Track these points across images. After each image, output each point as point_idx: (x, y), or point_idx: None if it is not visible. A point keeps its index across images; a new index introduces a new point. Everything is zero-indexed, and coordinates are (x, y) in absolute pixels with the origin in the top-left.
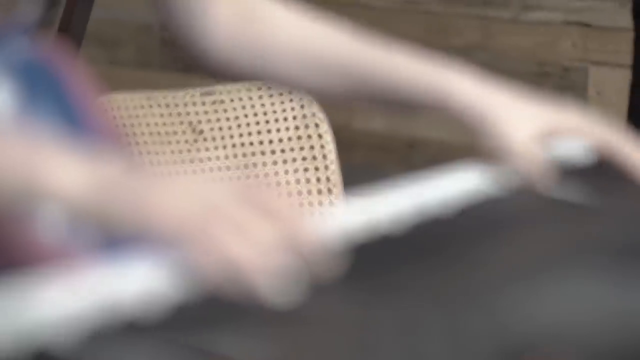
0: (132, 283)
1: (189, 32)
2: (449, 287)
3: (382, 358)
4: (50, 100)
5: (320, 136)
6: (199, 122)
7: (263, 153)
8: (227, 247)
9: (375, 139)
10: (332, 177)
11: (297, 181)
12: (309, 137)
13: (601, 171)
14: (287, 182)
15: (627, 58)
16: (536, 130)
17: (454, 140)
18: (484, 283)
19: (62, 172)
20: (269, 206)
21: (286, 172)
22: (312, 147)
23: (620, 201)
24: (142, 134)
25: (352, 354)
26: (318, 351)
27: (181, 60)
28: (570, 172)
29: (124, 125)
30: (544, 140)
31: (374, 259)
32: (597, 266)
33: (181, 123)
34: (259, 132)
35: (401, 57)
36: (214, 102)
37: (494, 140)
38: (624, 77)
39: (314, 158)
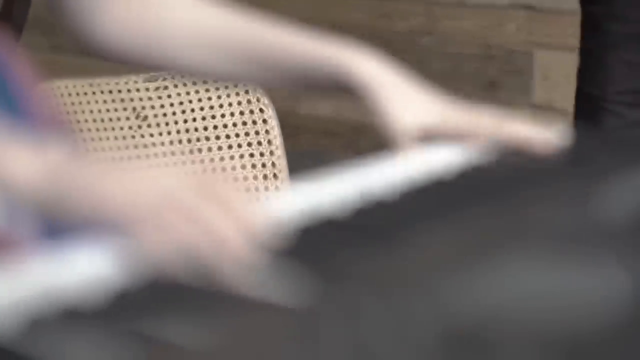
0: (75, 270)
1: (80, 17)
2: (392, 272)
3: (325, 345)
4: None
5: (265, 121)
6: (143, 108)
7: (208, 138)
8: (183, 233)
9: (321, 124)
10: (277, 163)
11: (243, 166)
12: (254, 122)
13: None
14: (233, 168)
15: (573, 41)
16: (421, 121)
17: None
18: (427, 268)
19: (12, 162)
20: (221, 194)
21: (231, 157)
22: (257, 133)
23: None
24: (86, 120)
25: (293, 342)
26: (260, 338)
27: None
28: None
29: (67, 112)
30: (428, 133)
31: (317, 243)
32: (537, 249)
33: (125, 109)
34: (203, 118)
35: (298, 36)
36: (157, 88)
37: (381, 121)
38: (570, 60)
39: (259, 143)
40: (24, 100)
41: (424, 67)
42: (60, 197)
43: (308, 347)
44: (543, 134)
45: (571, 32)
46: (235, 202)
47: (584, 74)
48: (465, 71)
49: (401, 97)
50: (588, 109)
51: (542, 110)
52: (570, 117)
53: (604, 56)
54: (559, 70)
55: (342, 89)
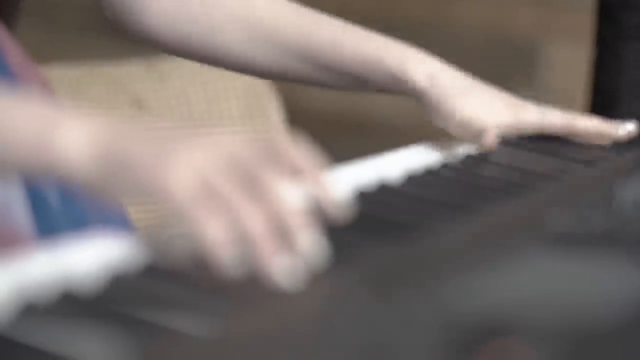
0: (74, 258)
1: (127, 8)
2: (406, 265)
3: (336, 342)
4: None
5: (269, 113)
6: (143, 98)
7: (209, 129)
8: (244, 217)
9: (325, 118)
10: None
11: None
12: (258, 113)
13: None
14: None
15: (582, 32)
16: (496, 119)
17: (404, 122)
18: (442, 261)
19: (61, 137)
20: (296, 162)
21: None
22: (260, 124)
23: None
24: (81, 104)
25: (305, 337)
26: (264, 330)
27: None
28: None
29: (63, 100)
30: (503, 131)
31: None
32: (552, 247)
33: (124, 97)
34: (205, 108)
35: (352, 33)
36: (159, 76)
37: (449, 123)
38: (579, 52)
39: (263, 134)
40: (21, 87)
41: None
42: (113, 178)
43: (319, 335)
44: (610, 127)
45: (581, 23)
46: (311, 170)
47: (598, 65)
48: (472, 61)
49: (469, 97)
50: (602, 100)
51: (549, 100)
52: (578, 108)
53: (619, 46)
54: (567, 61)
55: (399, 90)
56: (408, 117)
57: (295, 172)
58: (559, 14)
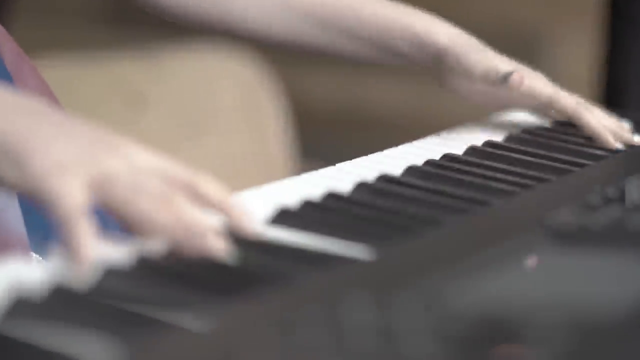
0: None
1: None
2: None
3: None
4: None
5: (266, 108)
6: (142, 91)
7: (209, 121)
8: (182, 209)
9: (335, 115)
10: (281, 148)
11: (245, 153)
12: (254, 108)
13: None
14: (235, 154)
15: (587, 23)
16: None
17: (408, 118)
18: (458, 253)
19: None
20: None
21: (234, 142)
22: (257, 119)
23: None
24: (79, 100)
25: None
26: (258, 322)
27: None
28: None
29: (61, 93)
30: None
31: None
32: (566, 245)
33: (123, 91)
34: (205, 101)
35: (378, 2)
36: (158, 69)
37: (473, 74)
38: (584, 43)
39: (262, 128)
40: (14, 80)
41: None
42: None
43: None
44: (616, 128)
45: (589, 18)
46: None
47: (609, 58)
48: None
49: (488, 53)
50: (613, 92)
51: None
52: (584, 93)
53: (630, 39)
54: (576, 53)
55: (422, 53)
56: (411, 113)
57: (208, 204)
58: (563, 6)
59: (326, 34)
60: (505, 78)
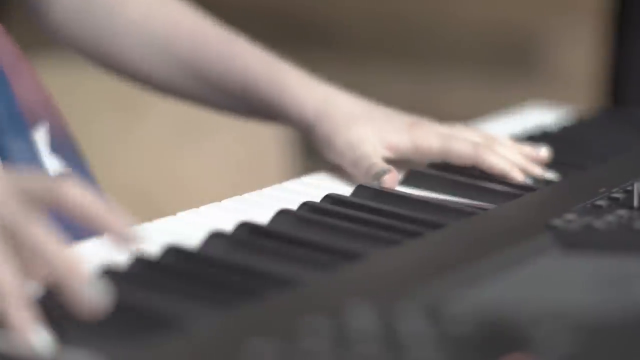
0: None
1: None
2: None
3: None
4: None
5: None
6: (139, 94)
7: (206, 127)
8: None
9: None
10: (280, 153)
11: (242, 159)
12: None
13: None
14: (231, 160)
15: (591, 25)
16: (389, 142)
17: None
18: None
19: None
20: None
21: (233, 149)
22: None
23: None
24: (75, 103)
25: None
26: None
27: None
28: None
29: (57, 95)
30: (400, 157)
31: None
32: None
33: (119, 93)
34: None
35: (246, 50)
36: None
37: (332, 152)
38: (587, 44)
39: (259, 134)
40: (10, 80)
41: (432, 38)
42: None
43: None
44: (523, 161)
45: (588, 19)
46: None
47: (610, 55)
48: (477, 49)
49: (356, 133)
50: (614, 91)
51: (557, 87)
52: (586, 93)
53: (631, 36)
54: (574, 57)
55: (294, 124)
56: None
57: (80, 214)
58: (563, 6)
59: (199, 85)
60: (377, 177)
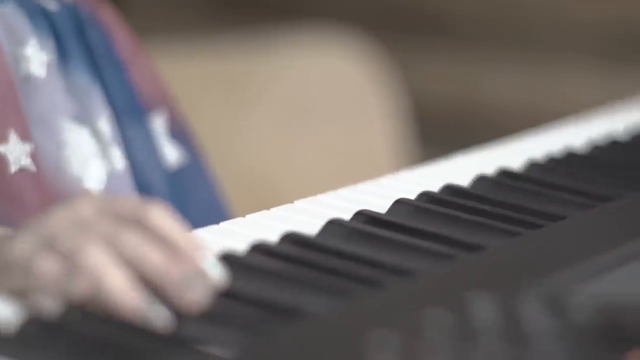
0: None
1: None
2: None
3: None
4: (100, 51)
5: (379, 105)
6: (250, 84)
7: (314, 119)
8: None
9: (447, 108)
10: (390, 146)
11: (352, 151)
12: (374, 99)
13: None
14: (342, 151)
15: None
16: None
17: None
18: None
19: None
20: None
21: (340, 139)
22: (369, 116)
23: None
24: (183, 89)
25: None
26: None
27: None
28: None
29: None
30: None
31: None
32: None
33: (228, 82)
34: (316, 93)
35: None
36: (268, 62)
37: None
38: None
39: (369, 127)
40: (128, 66)
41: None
42: None
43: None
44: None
45: None
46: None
47: None
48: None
49: None
50: None
51: None
52: None
53: None
54: None
55: None
56: (525, 106)
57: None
58: None
59: None
60: None
